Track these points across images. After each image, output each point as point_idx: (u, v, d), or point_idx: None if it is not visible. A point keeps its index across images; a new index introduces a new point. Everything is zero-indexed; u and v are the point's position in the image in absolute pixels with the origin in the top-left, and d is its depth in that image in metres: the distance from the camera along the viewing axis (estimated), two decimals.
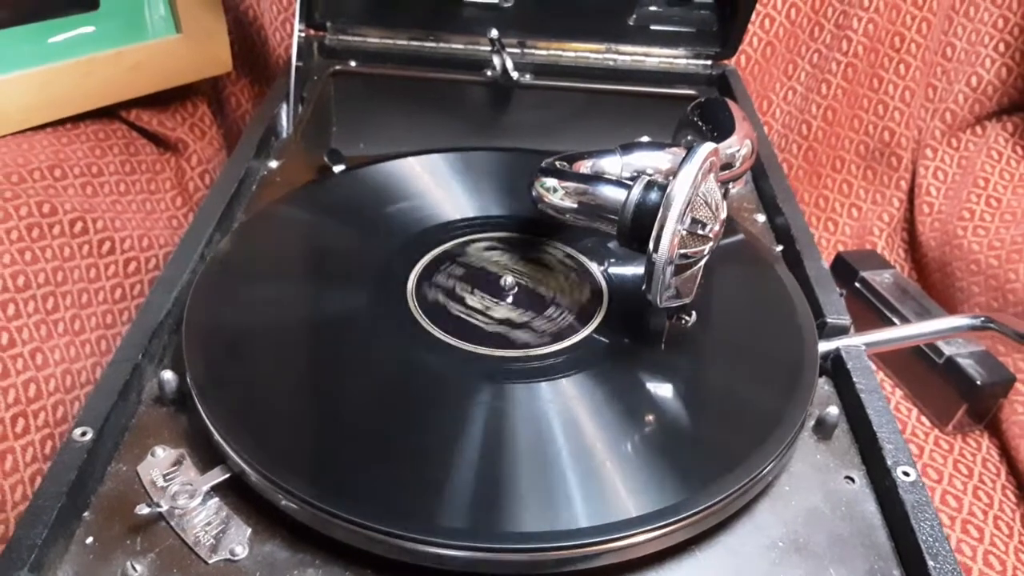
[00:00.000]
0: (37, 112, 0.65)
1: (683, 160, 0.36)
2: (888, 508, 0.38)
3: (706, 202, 0.37)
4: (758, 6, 0.80)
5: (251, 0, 0.78)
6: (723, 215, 0.38)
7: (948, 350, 0.61)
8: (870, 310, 0.66)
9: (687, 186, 0.35)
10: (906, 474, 0.38)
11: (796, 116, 0.83)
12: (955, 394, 0.61)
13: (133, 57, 0.68)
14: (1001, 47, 0.77)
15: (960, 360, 0.60)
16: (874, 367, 0.66)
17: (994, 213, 0.70)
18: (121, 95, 0.69)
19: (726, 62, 0.73)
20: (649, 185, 0.39)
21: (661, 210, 0.35)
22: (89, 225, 0.61)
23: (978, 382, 0.59)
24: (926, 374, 0.62)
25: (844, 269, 0.70)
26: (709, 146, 0.37)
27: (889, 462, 0.38)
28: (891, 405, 0.64)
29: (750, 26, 0.80)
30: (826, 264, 0.51)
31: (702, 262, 0.38)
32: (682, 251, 0.37)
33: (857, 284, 0.68)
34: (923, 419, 0.63)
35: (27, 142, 0.63)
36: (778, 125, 0.84)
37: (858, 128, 0.80)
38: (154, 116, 0.73)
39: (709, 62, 0.72)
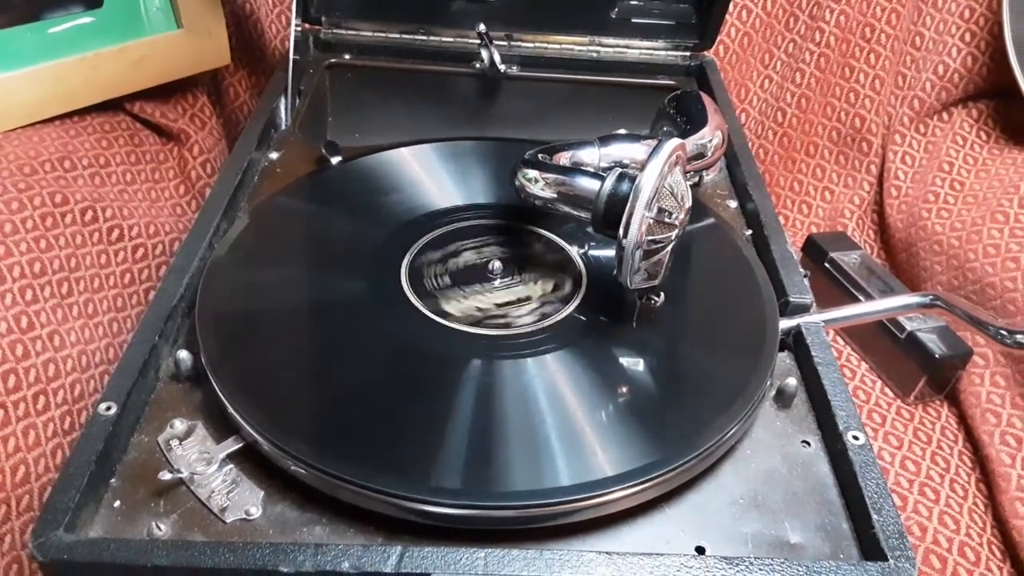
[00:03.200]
0: (46, 106, 0.67)
1: (651, 154, 0.40)
2: (839, 468, 0.42)
3: (672, 192, 0.41)
4: None
5: None
6: (688, 204, 0.42)
7: (910, 325, 0.65)
8: (838, 288, 0.70)
9: (654, 177, 0.39)
10: (855, 438, 0.41)
11: (772, 104, 0.86)
12: (916, 367, 0.65)
13: (137, 52, 0.71)
14: (967, 37, 0.80)
15: (921, 335, 0.64)
16: (841, 341, 0.70)
17: (957, 196, 0.74)
18: (126, 88, 0.72)
19: (704, 53, 0.76)
20: (621, 177, 0.42)
21: (630, 199, 0.39)
22: (99, 214, 0.64)
23: (937, 355, 0.63)
24: (889, 348, 0.66)
25: (815, 250, 0.73)
26: (675, 141, 0.41)
27: (841, 427, 0.42)
28: (857, 378, 0.68)
29: (728, 17, 0.83)
30: (792, 247, 0.54)
31: (669, 247, 0.42)
32: (650, 237, 0.40)
33: (827, 264, 0.72)
34: (887, 390, 0.67)
35: (37, 135, 0.66)
36: (755, 112, 0.87)
37: (831, 115, 0.84)
38: (157, 108, 0.75)
39: (688, 53, 0.75)
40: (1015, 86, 0.76)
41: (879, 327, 0.67)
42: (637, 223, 0.39)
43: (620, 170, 0.43)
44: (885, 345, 0.67)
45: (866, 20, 0.81)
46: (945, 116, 0.82)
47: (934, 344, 0.64)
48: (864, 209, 0.83)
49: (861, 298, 0.67)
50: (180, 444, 0.41)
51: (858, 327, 0.70)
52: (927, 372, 0.64)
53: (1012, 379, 0.62)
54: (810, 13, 0.82)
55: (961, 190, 0.74)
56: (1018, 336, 0.39)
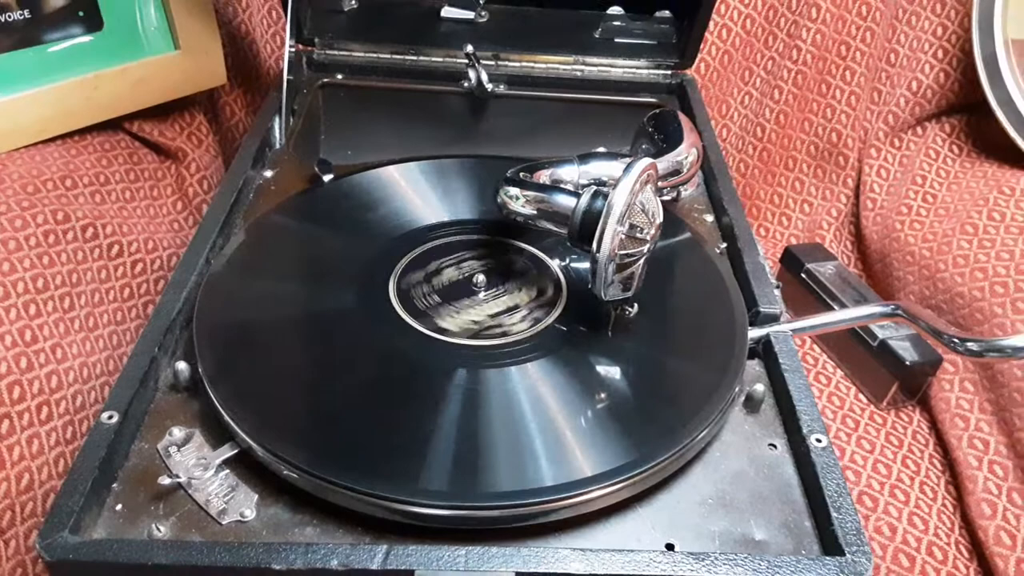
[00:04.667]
0: (48, 126, 0.70)
1: (622, 173, 0.42)
2: (802, 469, 0.44)
3: (643, 209, 0.43)
4: (716, 17, 0.86)
5: (243, 16, 0.83)
6: (659, 220, 0.44)
7: (882, 334, 0.67)
8: (814, 298, 0.73)
9: (625, 195, 0.41)
10: (818, 440, 0.44)
11: (752, 119, 0.89)
12: (888, 374, 0.67)
13: (135, 73, 0.73)
14: (940, 54, 0.83)
15: (892, 343, 0.66)
16: (817, 349, 0.72)
17: (930, 208, 0.77)
18: (125, 108, 0.74)
19: (685, 72, 0.78)
20: (595, 194, 0.45)
21: (603, 216, 0.42)
22: (99, 230, 0.66)
23: (907, 362, 0.66)
24: (863, 356, 0.69)
25: (792, 261, 0.76)
26: (646, 161, 0.43)
27: (805, 430, 0.44)
28: (832, 385, 0.70)
29: (709, 35, 0.86)
30: (765, 259, 0.57)
31: (641, 260, 0.44)
32: (622, 251, 0.43)
33: (803, 275, 0.74)
34: (861, 396, 0.70)
35: (39, 154, 0.68)
36: (736, 128, 0.90)
37: (808, 130, 0.87)
38: (155, 127, 0.78)
39: (669, 72, 0.78)
40: (986, 101, 0.79)
41: (853, 336, 0.69)
42: (609, 238, 0.42)
43: (595, 188, 0.45)
44: (859, 353, 0.69)
45: (841, 38, 0.83)
46: (919, 131, 0.85)
47: (905, 351, 0.66)
48: (841, 221, 0.85)
49: (835, 307, 0.70)
50: (178, 451, 0.43)
51: (833, 337, 0.73)
52: (899, 379, 0.66)
53: (980, 385, 0.65)
54: (788, 31, 0.85)
55: (933, 203, 0.77)
56: (968, 344, 0.42)
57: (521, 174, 0.52)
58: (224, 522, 0.40)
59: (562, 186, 0.52)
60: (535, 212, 0.49)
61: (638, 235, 0.43)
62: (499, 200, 0.51)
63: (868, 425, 0.67)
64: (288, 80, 0.69)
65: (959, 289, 0.68)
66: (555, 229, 0.48)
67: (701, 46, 0.80)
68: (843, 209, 0.86)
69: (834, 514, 0.40)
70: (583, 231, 0.44)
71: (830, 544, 0.40)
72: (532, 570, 0.37)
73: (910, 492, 0.62)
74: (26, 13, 0.67)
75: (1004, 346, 0.41)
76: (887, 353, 0.66)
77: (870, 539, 0.58)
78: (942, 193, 0.77)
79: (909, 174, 0.81)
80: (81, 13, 0.70)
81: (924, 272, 0.71)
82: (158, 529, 0.39)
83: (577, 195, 0.46)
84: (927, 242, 0.73)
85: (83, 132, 0.72)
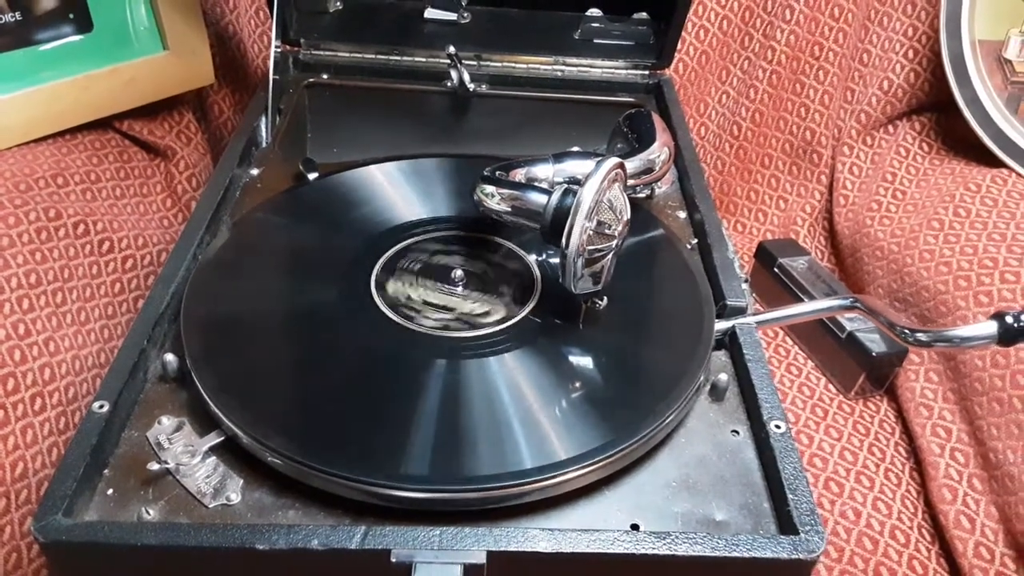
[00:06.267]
0: (40, 125, 0.71)
1: (590, 173, 0.44)
2: (762, 454, 0.46)
3: (611, 207, 0.45)
4: (694, 18, 0.88)
5: (231, 17, 0.85)
6: (626, 217, 0.47)
7: (850, 326, 0.69)
8: (787, 292, 0.75)
9: (592, 194, 0.44)
10: (777, 427, 0.46)
11: (729, 118, 0.91)
12: (855, 364, 0.69)
13: (125, 73, 0.75)
14: (911, 54, 0.85)
15: (859, 335, 0.69)
16: (789, 342, 0.75)
17: (899, 204, 0.79)
18: (115, 108, 0.76)
19: (662, 72, 0.80)
20: (566, 192, 0.47)
21: (571, 213, 0.44)
22: (90, 227, 0.68)
23: (874, 353, 0.68)
24: (832, 347, 0.71)
25: (766, 256, 0.78)
26: (613, 161, 0.45)
27: (765, 417, 0.46)
28: (803, 375, 0.73)
29: (687, 36, 0.88)
30: (734, 254, 0.59)
31: (609, 255, 0.46)
32: (590, 247, 0.45)
33: (776, 269, 0.76)
34: (830, 387, 0.72)
35: (31, 153, 0.70)
36: (713, 126, 0.92)
37: (783, 128, 0.89)
38: (145, 126, 0.79)
39: (647, 72, 0.80)
40: (954, 100, 0.81)
41: (823, 328, 0.71)
42: (577, 234, 0.44)
43: (566, 186, 0.48)
44: (828, 344, 0.71)
45: (815, 39, 0.86)
46: (890, 129, 0.87)
47: (872, 343, 0.68)
48: (815, 217, 0.88)
49: (805, 300, 0.72)
50: (167, 438, 0.45)
51: (805, 329, 0.75)
52: (866, 369, 0.69)
53: (944, 375, 0.67)
54: (763, 32, 0.87)
55: (903, 199, 0.79)
56: (918, 335, 0.44)
57: (497, 173, 0.54)
58: (210, 506, 0.42)
59: (536, 184, 0.54)
60: (510, 209, 0.51)
61: (606, 231, 0.45)
62: (476, 198, 0.53)
63: (837, 414, 0.69)
64: (274, 80, 0.71)
65: (925, 283, 0.70)
66: (529, 225, 0.50)
67: (679, 47, 0.83)
68: (817, 205, 0.88)
69: (790, 495, 0.43)
70: (553, 227, 0.46)
71: (786, 524, 0.42)
72: (502, 549, 0.39)
73: (875, 478, 0.64)
74: (17, 15, 0.69)
75: (951, 336, 0.43)
76: (855, 345, 0.69)
77: (835, 523, 0.61)
78: (911, 190, 0.79)
79: (880, 171, 0.83)
80: (71, 15, 0.72)
81: (892, 266, 0.74)
82: (147, 512, 0.41)
83: (549, 193, 0.48)
84: (895, 237, 0.75)
85: (74, 131, 0.74)
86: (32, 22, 0.70)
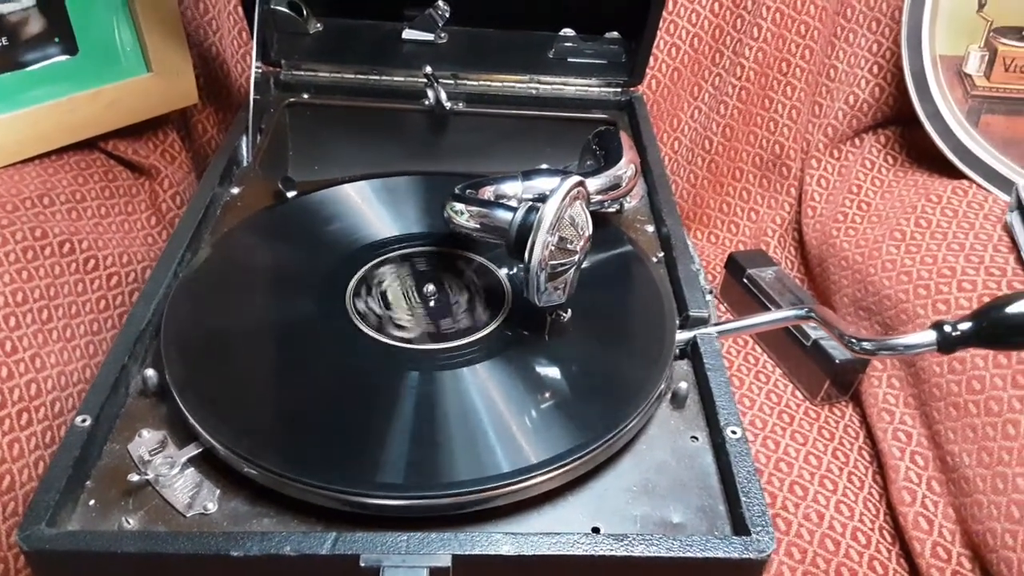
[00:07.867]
0: (26, 147, 0.73)
1: (552, 190, 0.47)
2: (719, 459, 0.48)
3: (572, 223, 0.47)
4: (666, 36, 0.91)
5: (214, 38, 0.87)
6: (588, 233, 0.49)
7: (815, 334, 0.72)
8: (756, 302, 0.77)
9: (553, 210, 0.46)
10: (733, 432, 0.48)
11: (701, 132, 0.93)
12: (820, 371, 0.72)
13: (110, 95, 0.77)
14: (875, 69, 0.88)
15: (823, 343, 0.71)
16: (759, 350, 0.77)
17: (864, 215, 0.81)
18: (100, 128, 0.78)
19: (634, 89, 0.82)
20: (529, 210, 0.49)
21: (532, 229, 0.46)
22: (76, 246, 0.70)
23: (837, 360, 0.70)
24: (799, 355, 0.73)
25: (735, 267, 0.81)
26: (574, 179, 0.48)
27: (722, 423, 0.48)
28: (771, 383, 0.75)
29: (659, 53, 0.91)
30: (699, 267, 0.61)
31: (571, 270, 0.48)
32: (552, 261, 0.47)
33: (745, 280, 0.79)
34: (797, 393, 0.74)
35: (18, 174, 0.71)
36: (686, 140, 0.94)
37: (753, 142, 0.91)
38: (129, 146, 0.81)
39: (619, 89, 0.82)
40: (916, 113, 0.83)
41: (789, 337, 0.74)
42: (539, 249, 0.46)
43: (530, 203, 0.50)
44: (795, 352, 0.74)
45: (782, 56, 0.88)
46: (857, 142, 0.90)
47: (835, 350, 0.71)
48: (785, 228, 0.90)
49: (773, 309, 0.74)
50: (147, 451, 0.46)
51: (772, 338, 0.77)
52: (830, 376, 0.71)
53: (906, 381, 0.69)
54: (733, 49, 0.90)
55: (867, 210, 0.82)
56: (864, 343, 0.46)
57: (467, 191, 0.56)
58: (188, 515, 0.43)
59: (504, 202, 0.56)
60: (478, 226, 0.53)
61: (568, 246, 0.47)
62: (446, 215, 0.55)
63: (803, 420, 0.71)
64: (255, 100, 0.72)
65: (887, 292, 0.72)
66: (496, 241, 0.52)
67: (652, 64, 0.85)
68: (786, 217, 0.90)
69: (743, 498, 0.44)
70: (518, 243, 0.48)
71: (739, 525, 0.44)
72: (467, 552, 0.41)
73: (838, 482, 0.66)
74: (4, 40, 0.70)
75: (894, 345, 0.45)
76: (819, 352, 0.71)
77: (799, 526, 0.63)
78: (876, 201, 0.82)
79: (846, 183, 0.85)
80: (57, 38, 0.73)
81: (857, 276, 0.76)
82: (128, 522, 0.43)
83: (514, 210, 0.50)
84: (860, 247, 0.77)
85: (60, 151, 0.76)
86: (19, 46, 0.71)
